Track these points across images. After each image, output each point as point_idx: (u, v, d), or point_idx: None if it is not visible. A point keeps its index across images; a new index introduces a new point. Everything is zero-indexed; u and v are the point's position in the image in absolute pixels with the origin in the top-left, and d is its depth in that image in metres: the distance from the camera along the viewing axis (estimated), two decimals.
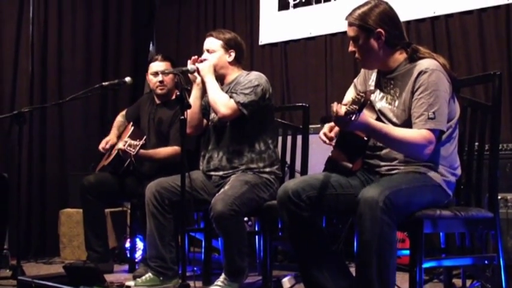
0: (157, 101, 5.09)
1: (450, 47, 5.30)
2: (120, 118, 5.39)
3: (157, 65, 4.99)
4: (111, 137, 5.21)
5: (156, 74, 4.94)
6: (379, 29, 3.15)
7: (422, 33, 5.43)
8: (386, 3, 3.23)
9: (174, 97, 5.00)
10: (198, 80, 4.23)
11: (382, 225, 2.83)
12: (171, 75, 4.93)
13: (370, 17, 3.15)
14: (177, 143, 4.73)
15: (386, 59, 3.23)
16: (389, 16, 3.19)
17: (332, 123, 3.24)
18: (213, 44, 4.25)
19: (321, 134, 3.26)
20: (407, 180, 3.06)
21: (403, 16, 3.26)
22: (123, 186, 5.05)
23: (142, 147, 4.53)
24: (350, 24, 3.22)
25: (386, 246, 2.86)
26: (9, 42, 6.22)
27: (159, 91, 5.01)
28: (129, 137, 4.72)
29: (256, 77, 4.18)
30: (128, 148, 4.47)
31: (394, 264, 2.93)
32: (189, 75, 4.23)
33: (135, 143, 4.48)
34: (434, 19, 5.40)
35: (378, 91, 3.31)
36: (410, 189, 3.01)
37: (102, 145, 5.16)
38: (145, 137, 4.64)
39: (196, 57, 4.22)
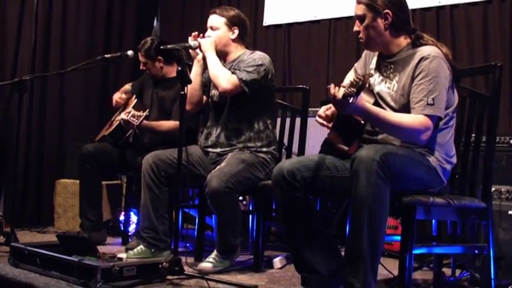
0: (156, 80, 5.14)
1: (454, 37, 5.30)
2: (127, 87, 5.38)
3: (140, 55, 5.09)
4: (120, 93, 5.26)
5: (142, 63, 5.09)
6: (387, 10, 3.17)
7: (426, 22, 5.43)
8: None
9: (175, 74, 5.01)
10: (199, 56, 4.24)
11: (377, 179, 2.86)
12: (148, 65, 5.04)
13: None
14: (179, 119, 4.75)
15: (390, 42, 3.25)
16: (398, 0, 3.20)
17: (329, 106, 3.25)
18: (216, 21, 4.25)
19: (317, 116, 3.27)
20: (406, 151, 3.09)
21: (409, 4, 3.26)
22: (121, 157, 5.06)
23: (145, 119, 4.55)
24: (359, 2, 3.23)
25: (379, 200, 2.88)
26: (14, 11, 6.18)
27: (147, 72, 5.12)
28: (132, 108, 4.74)
29: (260, 57, 4.19)
30: (131, 118, 4.50)
31: (384, 222, 2.96)
32: (190, 51, 4.24)
33: (139, 113, 4.51)
34: (439, 8, 5.41)
35: (378, 74, 3.32)
36: (407, 157, 3.04)
37: (116, 97, 5.20)
38: (148, 110, 4.66)
39: (196, 33, 4.22)
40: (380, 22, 3.19)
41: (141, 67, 5.10)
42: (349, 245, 2.97)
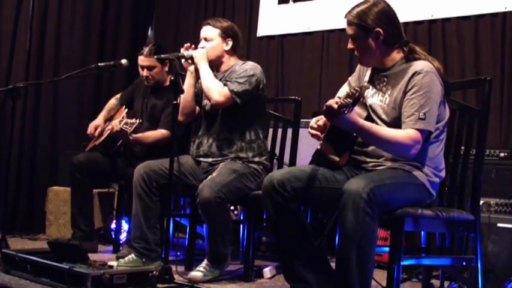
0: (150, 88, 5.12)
1: (445, 51, 5.33)
2: (113, 101, 5.39)
3: (141, 60, 5.00)
4: (99, 122, 5.21)
5: (142, 67, 5.00)
6: (378, 29, 3.18)
7: (419, 35, 5.45)
8: (385, 1, 3.26)
9: (168, 83, 5.02)
10: (192, 68, 4.26)
11: (364, 216, 2.86)
12: (157, 69, 4.98)
13: (369, 16, 3.18)
14: (165, 127, 4.77)
15: (384, 58, 3.27)
16: (387, 15, 3.22)
17: (320, 117, 3.27)
18: (210, 32, 4.27)
19: (309, 128, 3.29)
20: (392, 176, 3.10)
21: (401, 17, 3.28)
22: (112, 166, 5.06)
23: (136, 129, 4.56)
24: (349, 23, 3.24)
25: (367, 237, 2.89)
26: (9, 17, 6.20)
27: (146, 83, 5.07)
28: (124, 115, 4.75)
29: (251, 67, 4.21)
30: (124, 126, 4.51)
31: (373, 257, 2.98)
32: (183, 61, 4.26)
33: (131, 121, 4.52)
34: (431, 22, 5.44)
35: (371, 87, 3.34)
36: (394, 184, 3.04)
37: (90, 130, 5.17)
38: (139, 119, 4.67)
39: (189, 44, 4.24)
40: (371, 41, 3.20)
41: (145, 74, 4.99)
42: (338, 279, 2.98)
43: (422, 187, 3.18)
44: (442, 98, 3.18)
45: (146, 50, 4.99)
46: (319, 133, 3.25)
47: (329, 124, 3.25)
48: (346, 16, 3.26)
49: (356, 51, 3.28)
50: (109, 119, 5.22)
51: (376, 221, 2.92)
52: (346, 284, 2.91)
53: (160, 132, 4.81)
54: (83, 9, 6.75)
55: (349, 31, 3.25)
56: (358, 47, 3.25)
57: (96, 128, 5.15)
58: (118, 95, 5.44)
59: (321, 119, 3.27)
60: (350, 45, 3.29)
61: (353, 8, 3.25)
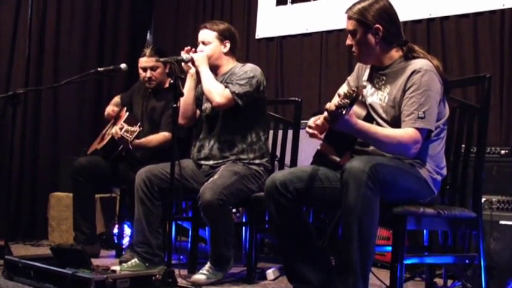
0: (151, 89, 5.11)
1: (444, 49, 5.34)
2: (117, 99, 5.39)
3: (144, 61, 4.98)
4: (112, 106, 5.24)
5: (145, 69, 4.98)
6: (377, 25, 3.19)
7: (417, 34, 5.46)
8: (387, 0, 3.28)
9: (167, 85, 5.02)
10: (192, 71, 4.26)
11: (366, 190, 2.87)
12: (160, 69, 4.97)
13: (370, 12, 3.20)
14: (167, 129, 4.77)
15: (382, 55, 3.28)
16: (388, 13, 3.23)
17: (317, 116, 3.27)
18: (208, 35, 4.28)
19: (307, 127, 3.29)
20: (395, 161, 3.11)
21: (400, 16, 3.30)
22: (114, 171, 5.07)
23: (137, 135, 4.56)
24: (349, 18, 3.26)
25: (368, 212, 2.89)
26: (7, 23, 6.21)
27: (147, 85, 5.05)
28: (124, 122, 4.75)
29: (251, 69, 4.22)
30: (125, 134, 4.50)
31: (374, 235, 2.98)
32: (183, 65, 4.26)
33: (132, 128, 4.51)
34: (430, 21, 5.44)
35: (370, 86, 3.35)
36: (397, 167, 3.06)
37: (108, 110, 5.20)
38: (140, 124, 4.66)
39: (189, 47, 4.24)
40: (371, 37, 3.22)
41: (148, 75, 4.97)
42: (340, 255, 2.99)
43: (424, 182, 3.18)
44: (441, 96, 3.18)
45: (148, 51, 4.98)
46: (316, 132, 3.25)
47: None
48: (346, 12, 3.28)
49: (355, 47, 3.28)
50: (113, 122, 5.20)
51: (377, 196, 2.92)
52: (348, 259, 2.91)
53: (163, 135, 4.82)
54: (82, 14, 6.75)
55: (349, 26, 3.26)
56: (357, 43, 3.26)
57: (113, 111, 5.19)
58: (119, 96, 5.42)
59: (319, 119, 3.27)
60: (349, 41, 3.30)
61: (354, 4, 3.27)
